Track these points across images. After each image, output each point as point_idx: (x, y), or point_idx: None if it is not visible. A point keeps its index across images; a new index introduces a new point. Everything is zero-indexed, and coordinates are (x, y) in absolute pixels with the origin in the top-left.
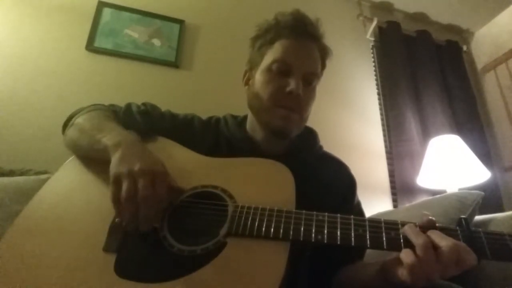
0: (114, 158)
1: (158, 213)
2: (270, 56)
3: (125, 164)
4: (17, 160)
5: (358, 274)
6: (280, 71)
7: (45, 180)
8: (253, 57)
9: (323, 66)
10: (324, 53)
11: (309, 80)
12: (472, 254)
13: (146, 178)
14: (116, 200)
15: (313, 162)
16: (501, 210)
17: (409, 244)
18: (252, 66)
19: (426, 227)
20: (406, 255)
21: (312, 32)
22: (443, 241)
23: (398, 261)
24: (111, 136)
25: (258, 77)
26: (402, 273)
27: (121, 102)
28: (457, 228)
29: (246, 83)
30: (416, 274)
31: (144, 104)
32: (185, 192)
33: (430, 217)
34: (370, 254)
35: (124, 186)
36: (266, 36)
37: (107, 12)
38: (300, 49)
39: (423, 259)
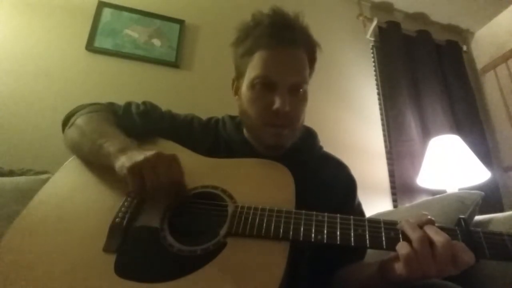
0: (121, 160)
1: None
2: (252, 70)
3: (137, 156)
4: (17, 160)
5: (357, 274)
6: (264, 86)
7: (45, 180)
8: (237, 64)
9: (312, 62)
10: (310, 50)
11: (297, 89)
12: (469, 253)
13: (165, 162)
14: (141, 190)
15: (313, 162)
16: (501, 210)
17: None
18: (238, 75)
19: (424, 224)
20: (402, 247)
21: (291, 37)
22: (437, 236)
23: (396, 258)
24: (114, 142)
25: (245, 91)
26: (399, 266)
27: (121, 102)
28: (456, 228)
29: (236, 92)
30: (412, 268)
31: (144, 103)
32: (186, 193)
33: (429, 217)
34: (370, 254)
35: (146, 174)
36: (245, 43)
37: (107, 12)
38: (281, 60)
39: (419, 252)
